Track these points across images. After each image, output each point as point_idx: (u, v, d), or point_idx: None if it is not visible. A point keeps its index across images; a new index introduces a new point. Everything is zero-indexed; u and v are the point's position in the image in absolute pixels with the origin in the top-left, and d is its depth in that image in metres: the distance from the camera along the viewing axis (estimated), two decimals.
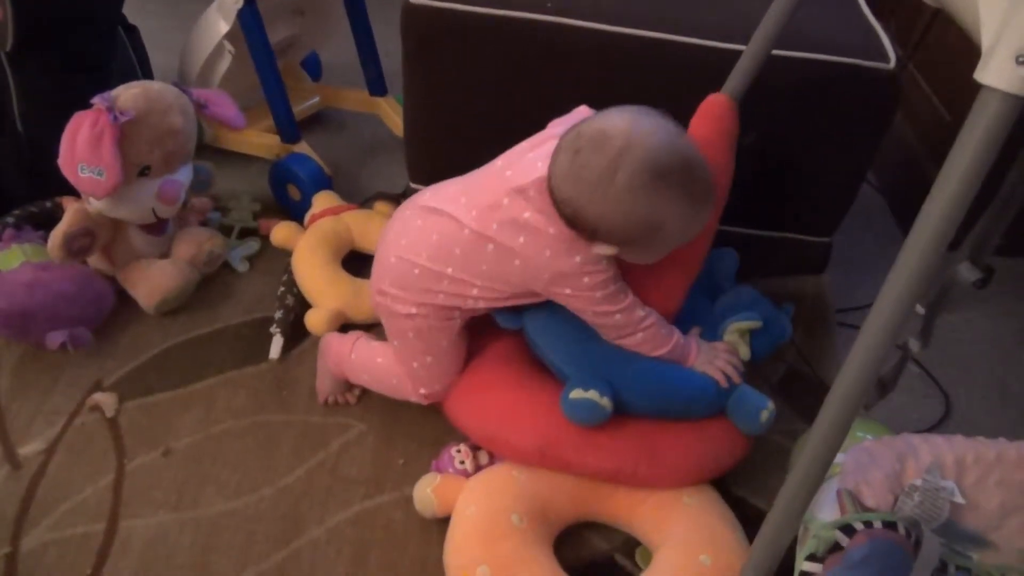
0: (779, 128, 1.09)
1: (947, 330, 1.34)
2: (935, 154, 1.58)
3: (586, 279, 0.89)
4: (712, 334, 1.01)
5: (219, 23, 1.38)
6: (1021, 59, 0.52)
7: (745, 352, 1.00)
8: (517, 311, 1.02)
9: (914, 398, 1.27)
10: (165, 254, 1.27)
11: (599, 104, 1.08)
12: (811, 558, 0.72)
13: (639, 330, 0.94)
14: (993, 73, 0.54)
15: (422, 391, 1.05)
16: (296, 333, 1.22)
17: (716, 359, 0.98)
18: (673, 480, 0.96)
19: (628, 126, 0.82)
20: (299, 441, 1.09)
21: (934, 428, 1.23)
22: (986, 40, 0.55)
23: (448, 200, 0.95)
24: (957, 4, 0.68)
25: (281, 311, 1.23)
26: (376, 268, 1.02)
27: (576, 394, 0.92)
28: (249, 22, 1.33)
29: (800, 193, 1.20)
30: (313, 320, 1.20)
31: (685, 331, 1.00)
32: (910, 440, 0.82)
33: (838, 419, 0.68)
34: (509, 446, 0.97)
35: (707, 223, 0.92)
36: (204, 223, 1.35)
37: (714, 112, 0.98)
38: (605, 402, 0.91)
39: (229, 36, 1.38)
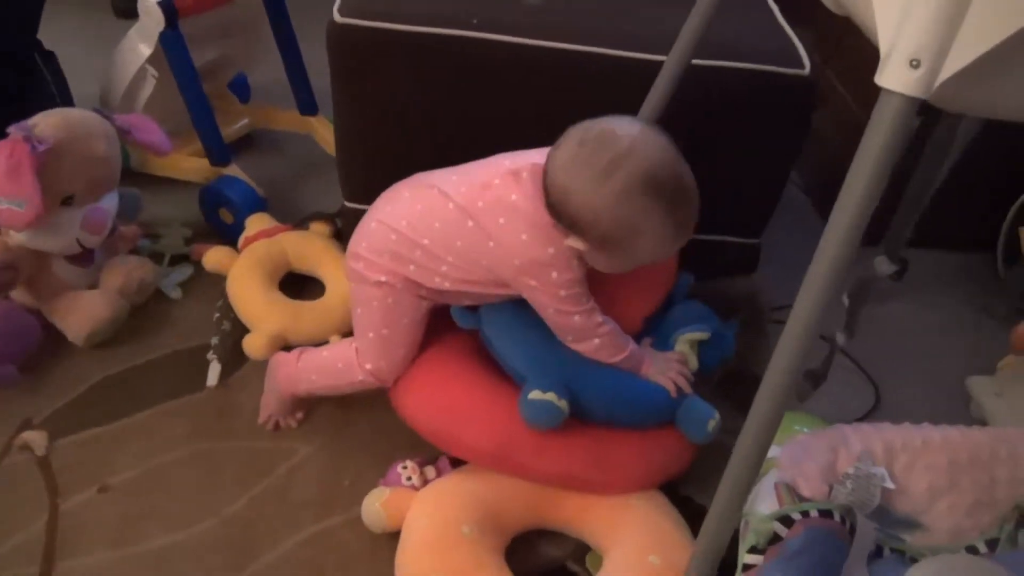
0: (702, 134, 1.12)
1: (873, 322, 1.39)
2: (854, 151, 1.65)
3: (554, 274, 0.91)
4: (663, 345, 1.04)
5: (140, 47, 1.35)
6: (914, 63, 0.55)
7: (694, 362, 1.03)
8: (475, 311, 1.03)
9: (845, 389, 1.31)
10: (93, 285, 1.23)
11: (528, 118, 1.10)
12: (752, 550, 0.74)
13: (596, 335, 0.95)
14: (890, 76, 0.57)
15: (368, 366, 1.03)
16: (234, 359, 1.20)
17: (668, 369, 1.00)
18: (624, 486, 0.98)
19: (637, 134, 0.86)
20: (244, 468, 1.07)
21: (865, 417, 1.28)
22: (883, 46, 0.58)
23: (441, 178, 0.98)
24: (859, 14, 0.71)
25: (217, 337, 1.21)
26: (355, 233, 1.03)
27: (535, 395, 0.92)
28: (172, 45, 1.30)
29: (727, 197, 1.23)
30: (251, 344, 1.18)
31: (638, 341, 1.02)
32: (842, 430, 0.85)
33: (769, 413, 0.70)
34: (463, 445, 0.97)
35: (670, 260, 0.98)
36: (134, 251, 1.32)
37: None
38: (563, 404, 0.92)
39: (152, 60, 1.36)
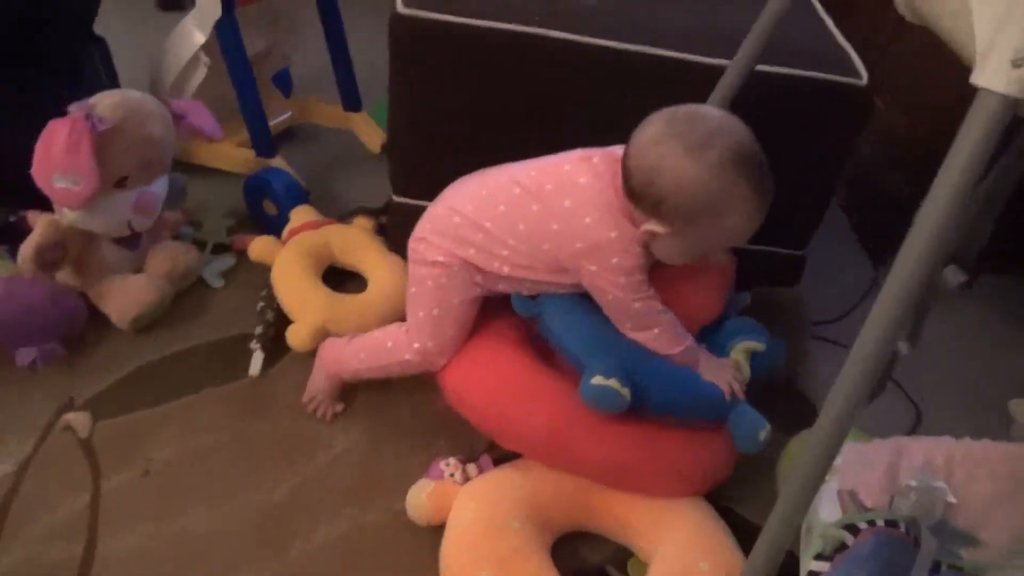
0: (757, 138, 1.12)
1: (922, 340, 1.38)
2: (895, 168, 1.64)
3: (615, 259, 0.91)
4: (717, 353, 1.03)
5: (195, 34, 1.36)
6: (1017, 62, 0.55)
7: (747, 371, 1.02)
8: (534, 299, 1.02)
9: (886, 407, 1.30)
10: (138, 269, 1.23)
11: (589, 118, 1.10)
12: (818, 557, 0.73)
13: (655, 324, 0.95)
14: (989, 76, 0.57)
15: (416, 345, 1.03)
16: (277, 349, 1.20)
17: (723, 371, 0.99)
18: (673, 487, 0.97)
19: (722, 115, 0.89)
20: (284, 455, 1.06)
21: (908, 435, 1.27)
22: (980, 45, 0.58)
23: (512, 166, 1.00)
24: (943, 16, 0.71)
25: (261, 326, 1.21)
26: (421, 219, 1.04)
27: (598, 380, 0.91)
28: (227, 33, 1.31)
29: (775, 206, 1.23)
30: (295, 335, 1.18)
31: None
32: (901, 441, 0.84)
33: (839, 421, 0.69)
34: (515, 430, 0.97)
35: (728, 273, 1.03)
36: (176, 238, 1.32)
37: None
38: (625, 391, 0.91)
39: (205, 47, 1.36)
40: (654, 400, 0.96)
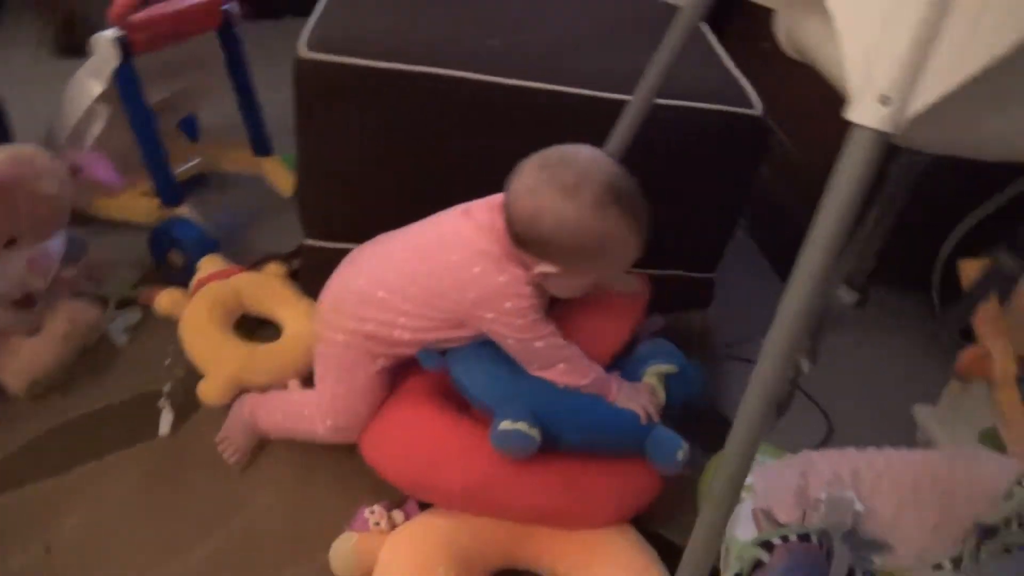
0: (660, 171, 1.15)
1: (825, 354, 1.43)
2: (796, 194, 1.72)
3: (508, 304, 0.92)
4: (631, 378, 1.05)
5: (91, 83, 1.32)
6: (884, 100, 0.59)
7: (662, 395, 1.04)
8: (439, 352, 1.02)
9: (798, 421, 1.35)
10: (35, 330, 1.17)
11: (495, 156, 1.11)
12: None
13: (559, 359, 0.96)
14: (861, 112, 0.60)
15: (328, 422, 1.04)
16: (188, 406, 1.16)
17: (637, 396, 1.01)
18: (598, 519, 0.97)
19: (591, 154, 0.92)
20: (200, 519, 1.02)
21: (818, 447, 1.31)
22: (853, 84, 0.62)
23: (398, 231, 1.03)
24: (822, 57, 0.75)
25: (170, 383, 1.17)
26: (323, 292, 1.06)
27: (506, 425, 0.92)
28: (126, 82, 1.28)
29: (683, 232, 1.27)
30: (206, 390, 1.14)
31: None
32: (809, 456, 0.87)
33: (747, 440, 0.71)
34: (436, 490, 0.96)
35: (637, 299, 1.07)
36: (77, 296, 1.27)
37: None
38: (534, 432, 0.92)
39: (103, 97, 1.32)
40: (568, 436, 0.97)
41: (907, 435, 1.35)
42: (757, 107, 1.20)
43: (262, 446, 1.11)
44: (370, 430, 1.04)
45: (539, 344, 0.95)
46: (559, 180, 0.89)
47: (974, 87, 0.56)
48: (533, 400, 0.97)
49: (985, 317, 1.10)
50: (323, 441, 1.07)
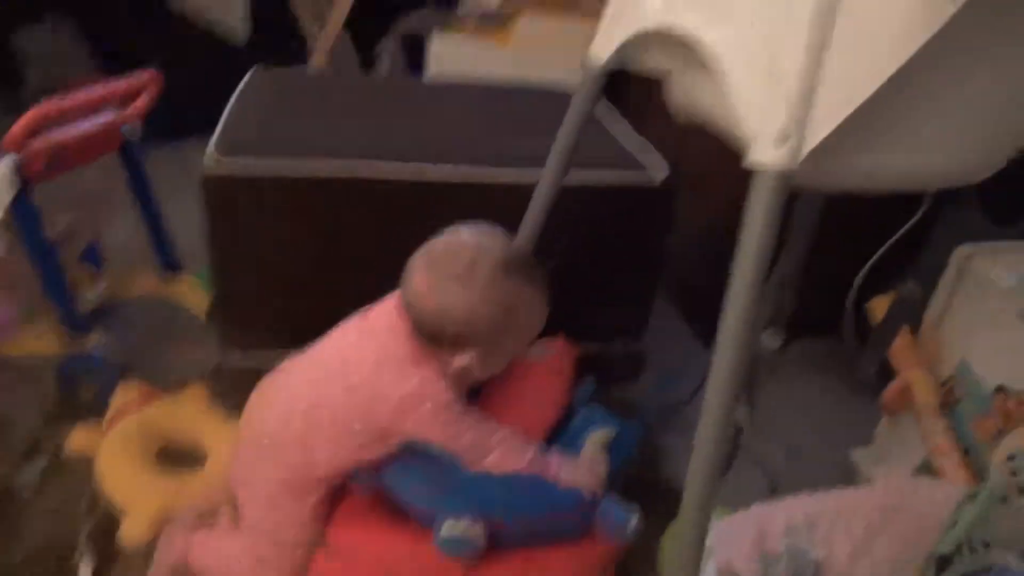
0: (577, 246, 1.19)
1: (755, 408, 1.46)
2: (705, 256, 1.78)
3: (427, 404, 0.90)
4: (571, 451, 1.03)
5: None
6: (781, 139, 0.62)
7: (603, 465, 1.02)
8: (372, 470, 0.98)
9: (739, 477, 1.35)
10: None
11: (414, 246, 1.12)
12: None
13: (493, 447, 0.94)
14: (760, 154, 0.64)
15: None
16: (108, 554, 1.07)
17: (578, 470, 0.98)
18: None
19: (473, 239, 0.92)
20: None
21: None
22: (749, 130, 0.65)
23: (295, 361, 0.99)
24: (712, 114, 0.79)
25: (87, 529, 1.08)
26: (233, 454, 1.02)
27: (447, 528, 0.88)
28: (23, 213, 1.23)
29: (606, 304, 1.29)
30: (129, 531, 1.06)
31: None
32: (763, 508, 0.87)
33: (702, 502, 0.71)
34: None
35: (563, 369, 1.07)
36: None
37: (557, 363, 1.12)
38: (478, 528, 0.89)
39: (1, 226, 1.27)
40: (514, 528, 0.94)
41: (847, 480, 1.36)
42: (665, 169, 1.24)
43: None
44: (316, 566, 0.98)
45: (468, 436, 0.93)
46: (451, 272, 0.89)
47: (865, 117, 0.60)
48: (474, 492, 0.93)
49: (900, 349, 1.14)
50: None
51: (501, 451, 0.95)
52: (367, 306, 0.99)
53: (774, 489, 1.34)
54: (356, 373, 0.92)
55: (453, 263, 0.90)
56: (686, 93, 0.83)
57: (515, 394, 1.05)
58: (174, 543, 1.02)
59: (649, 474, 1.32)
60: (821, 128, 0.61)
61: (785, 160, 0.62)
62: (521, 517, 0.95)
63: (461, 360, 0.91)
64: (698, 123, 0.88)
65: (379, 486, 0.99)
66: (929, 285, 1.13)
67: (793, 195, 0.68)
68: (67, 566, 1.04)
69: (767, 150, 0.62)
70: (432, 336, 0.91)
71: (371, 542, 0.97)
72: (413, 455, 0.96)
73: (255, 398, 1.02)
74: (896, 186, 0.74)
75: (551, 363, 1.12)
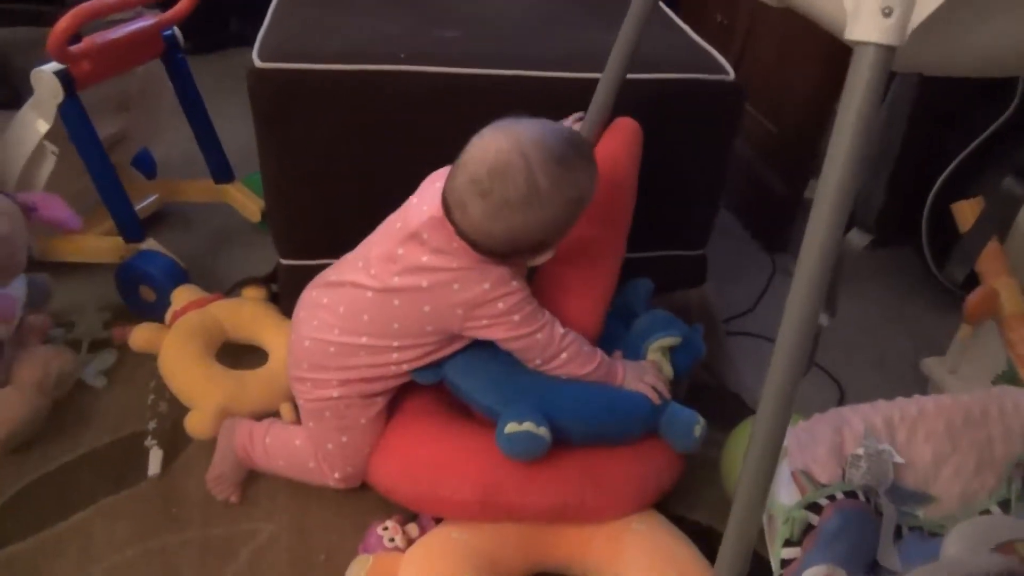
0: (644, 147, 1.13)
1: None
2: (768, 163, 1.70)
3: (500, 304, 0.87)
4: (633, 356, 1.00)
5: (37, 123, 1.25)
6: (886, 11, 0.56)
7: (668, 370, 1.00)
8: (434, 365, 0.97)
9: (807, 387, 1.31)
10: (4, 382, 1.10)
11: (458, 147, 1.08)
12: (787, 543, 0.70)
13: (562, 349, 0.92)
14: (863, 28, 0.57)
15: (336, 475, 0.99)
16: (176, 443, 1.09)
17: (645, 376, 0.97)
18: (621, 508, 0.93)
19: (510, 143, 0.82)
20: (202, 560, 0.96)
21: None
22: (849, 3, 0.59)
23: (348, 269, 0.95)
24: None
25: (155, 421, 1.10)
26: (291, 356, 0.99)
27: (511, 428, 0.87)
28: (73, 116, 1.21)
29: (670, 210, 1.24)
30: (194, 423, 1.08)
31: (608, 351, 0.98)
32: (840, 412, 0.83)
33: (782, 400, 0.67)
34: (447, 502, 0.91)
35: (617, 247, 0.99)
36: (46, 342, 1.20)
37: (623, 134, 1.03)
38: (542, 431, 0.87)
39: (50, 135, 1.26)
40: (578, 431, 0.92)
41: (918, 390, 1.32)
42: (729, 72, 1.17)
43: (254, 475, 1.05)
44: (372, 454, 0.99)
45: (540, 336, 0.91)
46: (509, 195, 0.81)
47: None
48: (538, 396, 0.92)
49: (988, 256, 1.07)
50: (333, 486, 1.01)
51: (569, 354, 0.92)
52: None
53: (841, 401, 1.31)
54: (420, 282, 0.88)
55: (507, 184, 0.81)
56: None
57: (564, 291, 1.00)
58: (236, 440, 1.03)
59: (708, 379, 1.29)
60: (930, 1, 0.54)
61: (888, 34, 0.56)
62: (585, 421, 0.93)
63: (539, 260, 0.88)
64: (783, 4, 0.81)
65: (441, 380, 0.98)
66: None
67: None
68: (138, 454, 1.07)
69: (870, 23, 0.56)
70: (506, 254, 0.86)
71: (428, 431, 0.97)
72: (479, 350, 0.95)
73: (305, 311, 0.98)
74: (1010, 68, 0.66)
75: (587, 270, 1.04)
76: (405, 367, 0.94)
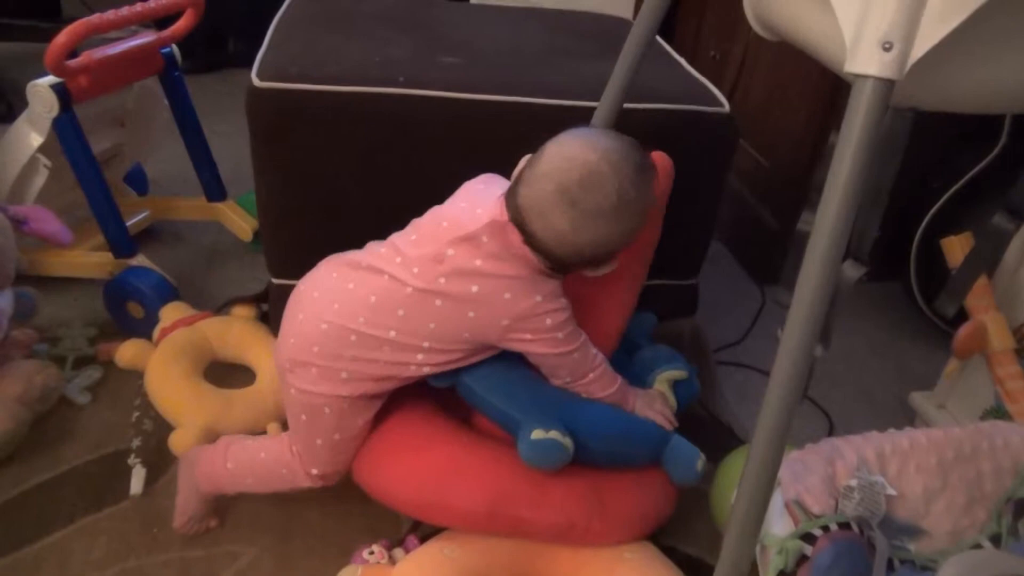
0: None
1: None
2: (759, 196, 1.72)
3: (548, 320, 0.86)
4: (639, 385, 1.00)
5: (31, 135, 1.25)
6: (886, 45, 0.56)
7: (673, 401, 1.00)
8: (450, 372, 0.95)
9: (796, 419, 1.32)
10: None
11: (465, 171, 1.08)
12: (781, 574, 0.70)
13: (592, 369, 0.91)
14: (862, 62, 0.58)
15: (315, 471, 0.95)
16: (160, 462, 1.08)
17: (654, 403, 0.96)
18: (623, 534, 0.92)
19: (596, 154, 0.82)
20: None
21: None
22: (848, 36, 0.59)
23: (382, 259, 0.89)
24: (799, 25, 0.74)
25: (139, 438, 1.09)
26: (296, 337, 0.91)
27: (538, 434, 0.85)
28: (67, 131, 1.21)
29: (665, 239, 1.24)
30: (179, 441, 1.06)
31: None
32: (832, 442, 0.83)
33: (777, 430, 0.67)
34: (454, 510, 0.89)
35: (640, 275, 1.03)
36: (30, 356, 1.18)
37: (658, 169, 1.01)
38: (567, 441, 0.86)
39: (43, 149, 1.25)
40: (594, 449, 0.91)
41: (906, 424, 1.32)
42: (725, 104, 1.19)
43: (237, 497, 1.03)
44: (366, 456, 0.95)
45: (576, 355, 0.90)
46: (599, 207, 0.81)
47: (973, 29, 0.55)
48: (560, 409, 0.91)
49: (976, 292, 1.08)
50: (303, 488, 0.98)
51: (596, 374, 0.92)
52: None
53: (831, 430, 1.31)
54: (470, 287, 0.85)
55: (598, 193, 0.81)
56: (768, 3, 0.77)
57: (586, 301, 0.98)
58: (195, 473, 0.98)
59: (698, 410, 1.29)
60: (930, 36, 0.55)
61: (888, 68, 0.56)
62: (600, 440, 0.92)
63: (606, 270, 0.89)
64: (777, 37, 0.82)
65: (449, 386, 0.96)
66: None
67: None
68: (120, 472, 1.05)
69: (870, 56, 0.57)
70: (577, 265, 0.86)
71: (435, 436, 0.95)
72: (499, 360, 0.93)
73: (327, 284, 0.92)
74: (1009, 105, 0.68)
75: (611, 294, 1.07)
76: (426, 370, 0.90)
